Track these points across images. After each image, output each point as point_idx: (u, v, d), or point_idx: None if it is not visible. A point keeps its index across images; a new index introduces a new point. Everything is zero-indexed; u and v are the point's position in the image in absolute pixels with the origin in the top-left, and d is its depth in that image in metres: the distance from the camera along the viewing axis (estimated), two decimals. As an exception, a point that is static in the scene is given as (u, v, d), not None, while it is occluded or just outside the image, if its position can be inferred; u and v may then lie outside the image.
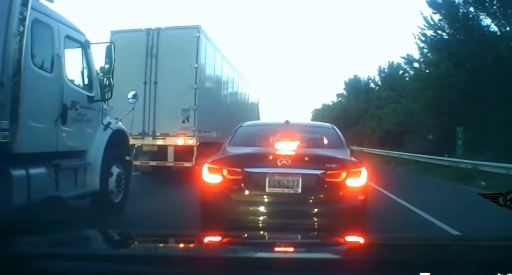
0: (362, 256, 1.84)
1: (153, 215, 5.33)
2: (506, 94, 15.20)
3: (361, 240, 2.29)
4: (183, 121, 9.38)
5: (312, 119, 48.73)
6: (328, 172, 4.10)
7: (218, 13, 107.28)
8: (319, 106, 63.50)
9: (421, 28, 20.76)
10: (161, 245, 2.14)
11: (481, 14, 17.92)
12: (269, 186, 4.09)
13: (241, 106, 15.18)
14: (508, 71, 15.33)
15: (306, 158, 4.32)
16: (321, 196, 4.11)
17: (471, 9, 18.10)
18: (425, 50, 23.04)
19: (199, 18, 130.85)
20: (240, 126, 5.55)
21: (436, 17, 19.55)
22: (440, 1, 18.94)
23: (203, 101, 9.68)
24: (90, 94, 5.33)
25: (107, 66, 5.69)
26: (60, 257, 1.60)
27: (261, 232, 3.79)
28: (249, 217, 4.14)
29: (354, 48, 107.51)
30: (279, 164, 4.10)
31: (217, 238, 2.29)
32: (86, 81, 5.40)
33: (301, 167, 4.15)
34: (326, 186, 4.09)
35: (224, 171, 4.16)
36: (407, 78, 33.97)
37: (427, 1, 19.38)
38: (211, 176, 4.21)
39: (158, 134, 9.50)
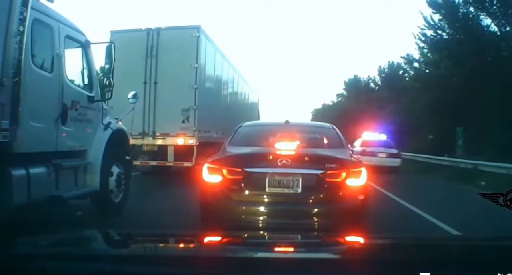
0: (362, 256, 1.84)
1: (153, 215, 5.33)
2: (506, 94, 15.19)
3: (361, 240, 2.29)
4: (183, 121, 9.38)
5: (312, 119, 48.75)
6: (328, 172, 4.10)
7: (218, 13, 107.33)
8: (319, 106, 63.61)
9: (421, 28, 20.81)
10: (161, 245, 2.14)
11: (481, 14, 17.94)
12: (269, 186, 4.09)
13: (241, 106, 15.18)
14: (508, 71, 15.32)
15: (306, 158, 4.32)
16: (321, 196, 4.11)
17: (471, 9, 18.13)
18: (425, 50, 23.06)
19: (199, 18, 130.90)
20: (240, 126, 5.55)
21: (436, 17, 19.60)
22: (440, 1, 18.95)
23: (203, 101, 9.69)
24: (90, 94, 5.33)
25: (107, 66, 5.68)
26: (60, 257, 1.61)
27: (261, 232, 3.80)
28: (249, 217, 4.15)
29: (354, 48, 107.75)
30: (279, 164, 4.10)
31: (217, 238, 2.29)
32: (86, 81, 5.39)
33: (301, 167, 4.15)
34: (326, 186, 4.09)
35: (224, 171, 4.16)
36: (407, 78, 33.97)
37: (427, 1, 19.41)
38: (211, 176, 4.21)
39: (158, 134, 9.50)
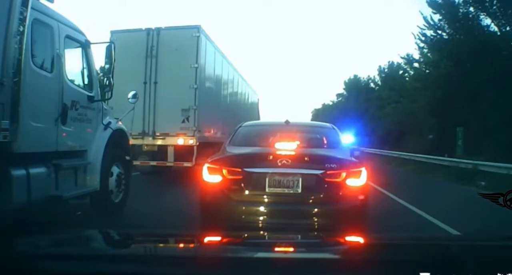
0: (362, 256, 1.84)
1: (153, 215, 5.33)
2: (506, 94, 15.18)
3: (361, 240, 2.29)
4: (183, 121, 9.38)
5: (312, 119, 48.72)
6: (328, 172, 4.10)
7: (218, 13, 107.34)
8: (319, 106, 63.63)
9: (421, 28, 20.78)
10: (161, 245, 2.14)
11: (481, 14, 17.91)
12: (269, 186, 4.09)
13: (241, 106, 15.18)
14: (508, 71, 15.31)
15: (306, 158, 4.32)
16: (321, 196, 4.11)
17: (471, 9, 18.09)
18: (425, 50, 23.03)
19: (199, 18, 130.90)
20: (240, 126, 5.55)
21: (436, 17, 19.56)
22: (440, 1, 18.94)
23: (203, 101, 9.68)
24: (90, 94, 5.33)
25: (107, 66, 5.68)
26: (60, 257, 1.61)
27: (261, 232, 3.80)
28: (249, 217, 4.14)
29: (354, 48, 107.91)
30: (279, 164, 4.10)
31: (217, 238, 2.30)
32: (86, 81, 5.39)
33: (301, 167, 4.15)
34: (326, 186, 4.09)
35: (224, 171, 4.16)
36: (407, 78, 33.97)
37: (427, 1, 19.39)
38: (211, 176, 4.21)
39: (158, 134, 9.50)
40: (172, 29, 9.87)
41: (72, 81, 4.98)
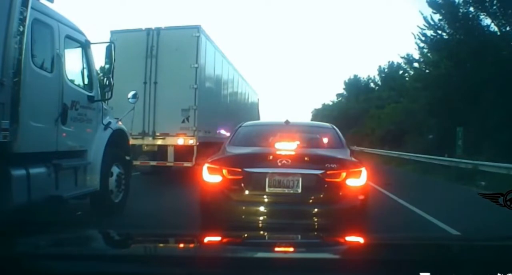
0: (362, 256, 1.84)
1: (153, 215, 5.33)
2: (506, 94, 15.16)
3: (361, 240, 2.29)
4: (183, 121, 9.38)
5: (312, 119, 48.70)
6: (328, 172, 4.09)
7: (218, 13, 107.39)
8: (319, 106, 63.69)
9: (421, 28, 20.78)
10: (161, 245, 2.15)
11: (481, 14, 17.90)
12: (269, 186, 4.09)
13: (241, 106, 15.18)
14: (508, 71, 15.30)
15: (306, 158, 4.32)
16: (321, 196, 4.11)
17: (471, 9, 18.08)
18: (425, 50, 23.02)
19: (199, 18, 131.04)
20: (240, 126, 5.55)
21: (436, 17, 19.56)
22: (440, 1, 18.94)
23: (203, 101, 9.69)
24: (90, 94, 5.33)
25: (107, 66, 5.68)
26: (60, 257, 1.61)
27: (261, 232, 3.80)
28: (249, 217, 4.14)
29: (354, 48, 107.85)
30: (279, 164, 4.10)
31: (217, 238, 2.30)
32: (86, 81, 5.39)
33: (301, 167, 4.14)
34: (326, 186, 4.09)
35: (224, 171, 4.16)
36: (407, 78, 34.00)
37: (427, 1, 19.39)
38: (211, 176, 4.20)
39: (158, 134, 9.50)
40: (172, 29, 9.87)
41: (72, 81, 4.99)
